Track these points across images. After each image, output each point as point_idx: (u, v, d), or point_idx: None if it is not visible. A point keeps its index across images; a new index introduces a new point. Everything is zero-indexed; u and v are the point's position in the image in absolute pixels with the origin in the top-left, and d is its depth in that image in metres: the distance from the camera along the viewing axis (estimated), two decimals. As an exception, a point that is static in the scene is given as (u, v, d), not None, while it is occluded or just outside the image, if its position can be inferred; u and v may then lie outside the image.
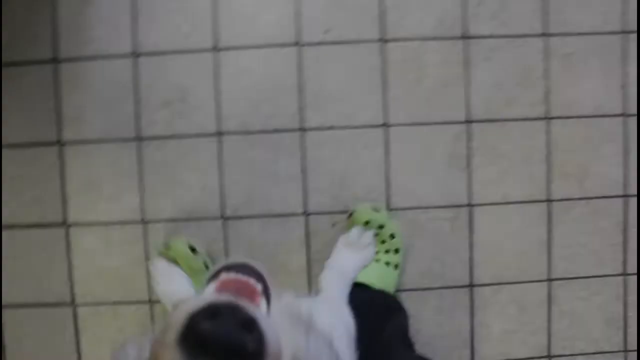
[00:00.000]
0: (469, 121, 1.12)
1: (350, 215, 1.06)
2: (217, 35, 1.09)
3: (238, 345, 0.35)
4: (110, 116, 1.09)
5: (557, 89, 1.13)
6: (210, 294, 0.43)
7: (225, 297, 0.39)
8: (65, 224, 1.10)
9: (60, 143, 1.10)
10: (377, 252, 1.06)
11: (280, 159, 1.09)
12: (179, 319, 0.36)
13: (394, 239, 1.06)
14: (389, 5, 1.09)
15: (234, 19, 1.08)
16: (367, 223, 1.04)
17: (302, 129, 1.09)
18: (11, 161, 1.09)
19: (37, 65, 1.09)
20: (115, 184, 1.09)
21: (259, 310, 0.41)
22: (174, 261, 1.05)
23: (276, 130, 1.09)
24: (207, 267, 1.06)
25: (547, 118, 1.13)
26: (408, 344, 1.00)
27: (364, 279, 1.04)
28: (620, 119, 1.14)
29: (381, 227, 1.05)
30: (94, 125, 1.09)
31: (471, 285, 1.13)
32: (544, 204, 1.13)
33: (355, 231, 1.04)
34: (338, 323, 0.73)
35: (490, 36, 1.12)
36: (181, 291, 1.03)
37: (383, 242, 1.06)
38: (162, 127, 1.09)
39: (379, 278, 1.04)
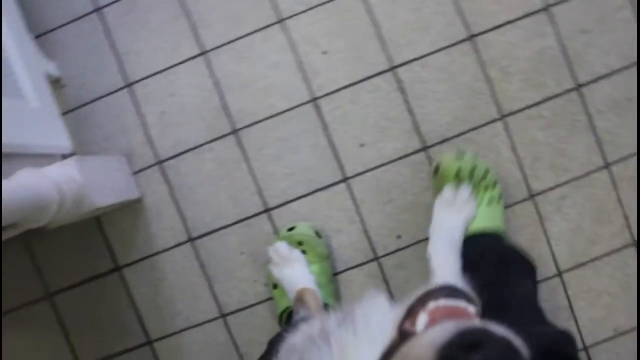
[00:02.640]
0: (558, 274, 1.10)
1: (436, 170, 1.01)
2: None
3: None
4: None
5: (635, 212, 1.11)
6: (427, 324, 0.38)
7: (468, 324, 0.35)
8: None
9: None
10: (477, 194, 0.99)
11: None
12: (428, 353, 0.32)
13: (488, 175, 1.01)
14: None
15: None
16: (457, 175, 0.98)
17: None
18: None
19: None
20: None
21: (496, 326, 0.36)
22: (296, 244, 1.02)
23: None
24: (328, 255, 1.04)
25: (635, 243, 1.12)
26: (538, 312, 0.91)
27: (476, 226, 0.96)
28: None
29: (472, 172, 0.99)
30: None
31: None
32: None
33: (448, 190, 0.98)
34: None
35: (555, 186, 1.10)
36: (304, 274, 1.00)
37: (480, 182, 1.00)
38: None
39: (490, 218, 0.98)
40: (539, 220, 1.11)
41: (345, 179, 1.10)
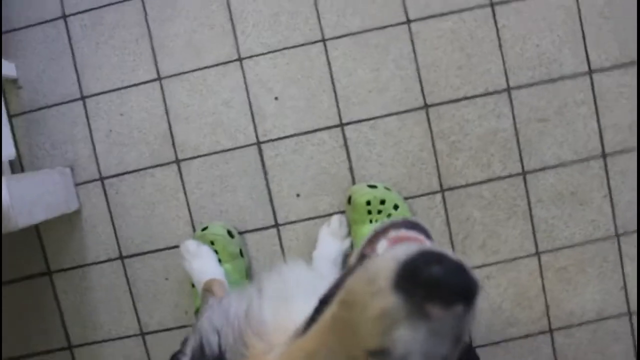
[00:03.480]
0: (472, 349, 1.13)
1: (349, 200, 1.07)
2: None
3: (468, 286, 0.33)
4: None
5: (557, 302, 1.13)
6: (386, 248, 0.40)
7: (426, 245, 0.37)
8: None
9: None
10: None
11: None
12: (390, 266, 0.34)
13: (399, 209, 1.06)
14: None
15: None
16: (368, 203, 1.04)
17: None
18: None
19: None
20: None
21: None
22: (209, 244, 1.07)
23: None
24: (242, 254, 1.09)
25: (551, 330, 1.14)
26: None
27: None
28: (625, 318, 1.14)
29: (382, 202, 1.05)
30: None
31: None
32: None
33: (335, 219, 1.07)
34: None
35: (483, 265, 1.12)
36: (211, 267, 1.05)
37: (389, 215, 1.05)
38: None
39: None
40: (459, 296, 1.12)
41: (276, 225, 1.12)
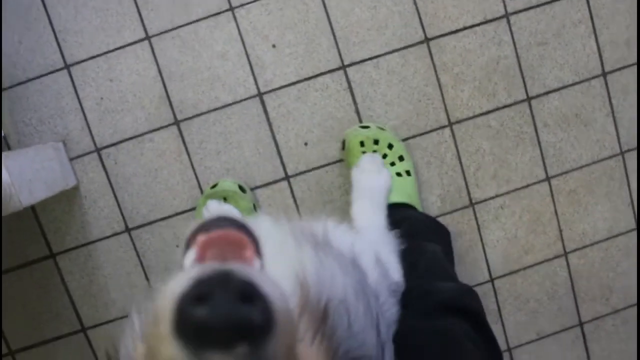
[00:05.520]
0: (490, 280, 1.14)
1: (343, 145, 1.04)
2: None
3: (243, 324, 0.30)
4: None
5: (569, 225, 1.14)
6: (192, 266, 0.36)
7: (211, 268, 0.32)
8: None
9: None
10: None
11: None
12: (167, 307, 0.31)
13: (394, 148, 1.04)
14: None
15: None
16: (362, 144, 1.02)
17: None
18: None
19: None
20: None
21: (252, 267, 0.36)
22: (224, 200, 1.03)
23: None
24: (255, 208, 1.06)
25: (566, 253, 1.15)
26: (444, 271, 0.94)
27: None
28: (633, 233, 1.16)
29: (376, 142, 1.03)
30: None
31: None
32: (577, 329, 1.17)
33: (364, 158, 1.01)
34: (367, 248, 0.68)
35: (496, 195, 1.12)
36: None
37: (385, 155, 1.03)
38: None
39: (398, 192, 1.02)
40: (476, 228, 1.12)
41: (286, 177, 1.09)
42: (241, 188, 1.04)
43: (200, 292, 0.30)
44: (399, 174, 1.03)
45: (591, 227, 1.15)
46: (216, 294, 0.30)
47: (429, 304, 0.72)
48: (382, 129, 1.05)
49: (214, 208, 0.99)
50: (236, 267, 0.33)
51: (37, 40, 1.05)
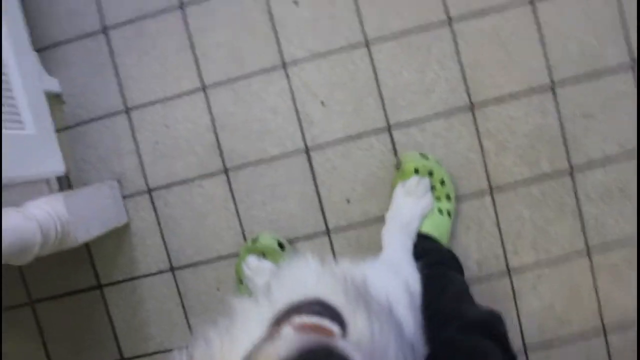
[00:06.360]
0: (525, 351, 1.13)
1: (398, 166, 1.06)
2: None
3: None
4: None
5: (609, 300, 1.13)
6: (290, 335, 0.39)
7: (312, 339, 0.36)
8: None
9: None
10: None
11: None
12: None
13: (445, 185, 1.05)
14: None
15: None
16: (416, 171, 1.03)
17: None
18: None
19: None
20: None
21: (347, 346, 0.37)
22: (262, 255, 1.06)
23: None
24: None
25: (604, 329, 1.13)
26: (471, 298, 0.95)
27: (421, 229, 1.02)
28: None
29: (430, 173, 1.04)
30: None
31: None
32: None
33: (413, 179, 1.02)
34: (396, 284, 0.69)
35: (535, 264, 1.11)
36: None
37: (433, 188, 1.04)
38: None
39: (433, 227, 1.03)
40: (512, 296, 1.12)
41: (327, 232, 1.12)
42: (280, 245, 1.07)
43: (305, 357, 0.33)
44: (440, 211, 1.04)
45: (633, 303, 1.13)
46: None
47: (462, 322, 0.74)
48: (439, 164, 1.06)
49: (254, 265, 1.03)
50: (340, 344, 0.36)
51: (102, 84, 1.12)
